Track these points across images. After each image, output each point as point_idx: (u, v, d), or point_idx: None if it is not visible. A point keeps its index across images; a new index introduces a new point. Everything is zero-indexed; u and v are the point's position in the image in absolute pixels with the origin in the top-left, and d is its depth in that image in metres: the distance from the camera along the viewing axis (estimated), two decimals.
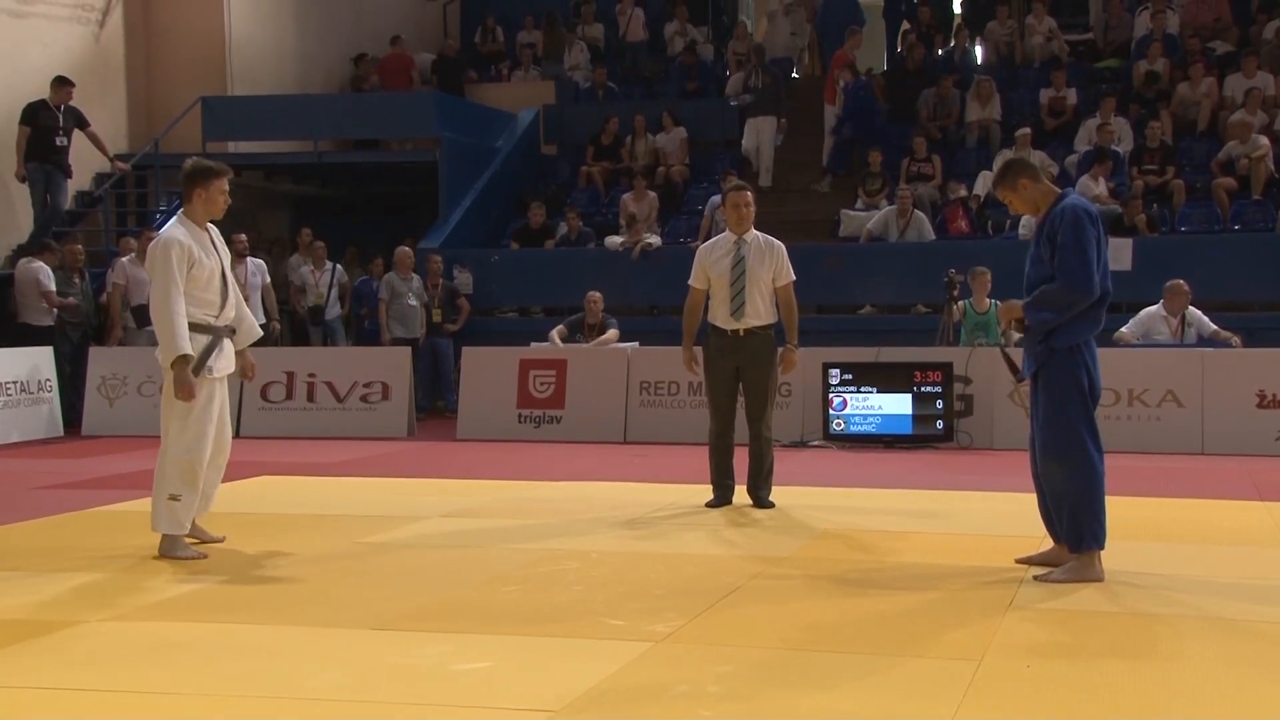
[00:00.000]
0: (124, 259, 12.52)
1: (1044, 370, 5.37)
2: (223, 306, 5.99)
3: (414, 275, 12.88)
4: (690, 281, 7.31)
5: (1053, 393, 5.35)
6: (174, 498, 5.91)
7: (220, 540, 6.24)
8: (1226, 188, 13.34)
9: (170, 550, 5.95)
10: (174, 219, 5.98)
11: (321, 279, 13.71)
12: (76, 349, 12.16)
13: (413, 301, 12.74)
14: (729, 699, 3.89)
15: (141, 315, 12.47)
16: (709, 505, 7.27)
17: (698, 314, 7.32)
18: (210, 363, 5.94)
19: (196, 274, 5.84)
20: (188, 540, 6.05)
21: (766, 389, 7.18)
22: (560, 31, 18.22)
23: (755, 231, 7.24)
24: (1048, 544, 5.61)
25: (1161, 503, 7.51)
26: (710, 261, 7.21)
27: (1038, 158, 14.16)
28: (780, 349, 7.25)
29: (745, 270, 7.09)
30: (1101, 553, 5.36)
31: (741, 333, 7.14)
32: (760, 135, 15.27)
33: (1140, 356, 10.40)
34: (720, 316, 7.18)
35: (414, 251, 13.75)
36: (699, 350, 7.38)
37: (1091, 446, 5.30)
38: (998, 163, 5.73)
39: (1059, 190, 5.45)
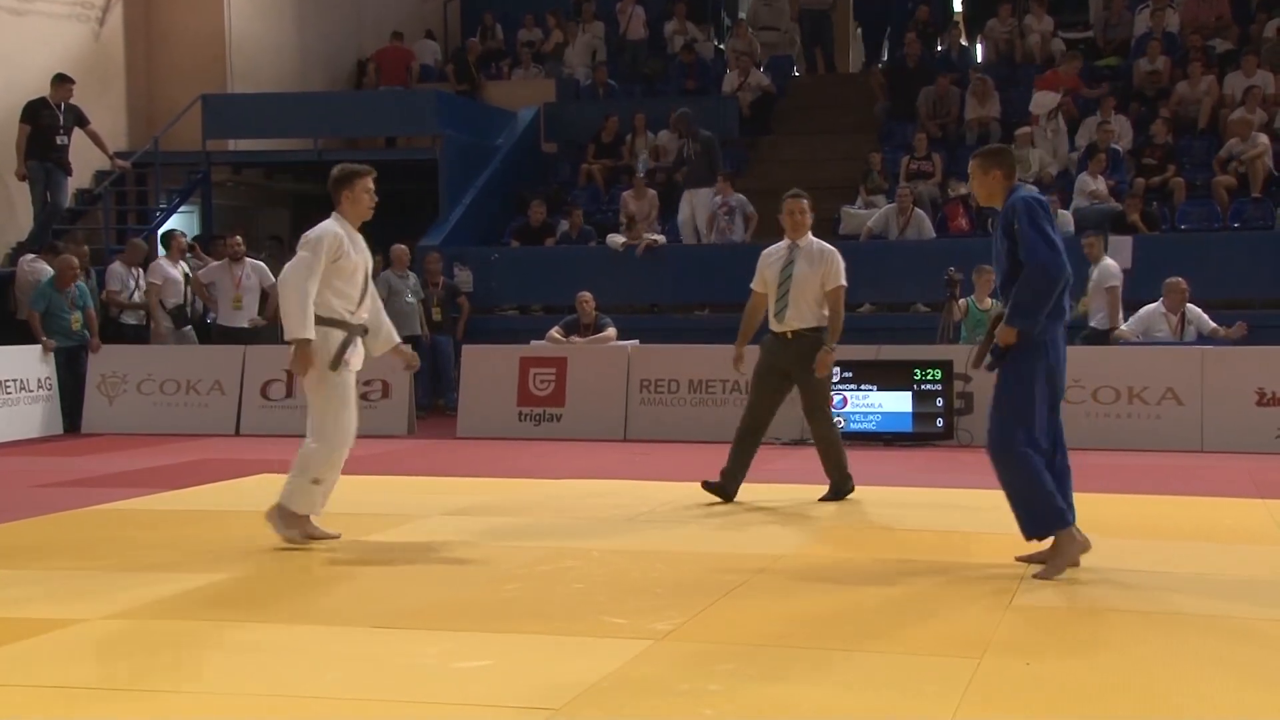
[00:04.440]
0: (161, 259, 12.70)
1: (1005, 363, 5.39)
2: (360, 304, 6.13)
3: (410, 273, 12.88)
4: (752, 284, 7.56)
5: (1005, 387, 5.37)
6: (317, 481, 6.08)
7: (336, 537, 6.25)
8: (1226, 186, 13.34)
9: (292, 526, 6.06)
10: (329, 219, 6.16)
11: None
12: (76, 347, 12.14)
13: (410, 299, 12.74)
14: (730, 696, 3.89)
15: (180, 316, 12.65)
16: (704, 486, 7.37)
17: (756, 316, 7.53)
18: (347, 356, 6.07)
19: (343, 265, 6.01)
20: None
21: (815, 388, 7.32)
22: (570, 26, 18.22)
23: (812, 238, 7.45)
24: (1048, 541, 5.61)
25: (1161, 500, 7.52)
26: (766, 265, 7.46)
27: (1036, 155, 14.20)
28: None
29: (793, 275, 7.28)
30: (1074, 529, 5.38)
31: (788, 335, 7.33)
32: (695, 206, 14.13)
33: (1140, 354, 10.41)
34: (771, 318, 7.43)
35: (413, 249, 13.75)
36: (752, 349, 7.57)
37: (1024, 443, 5.32)
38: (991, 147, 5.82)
39: (1013, 186, 5.52)
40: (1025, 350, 5.33)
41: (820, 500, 7.38)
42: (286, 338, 6.01)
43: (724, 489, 7.37)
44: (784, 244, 7.45)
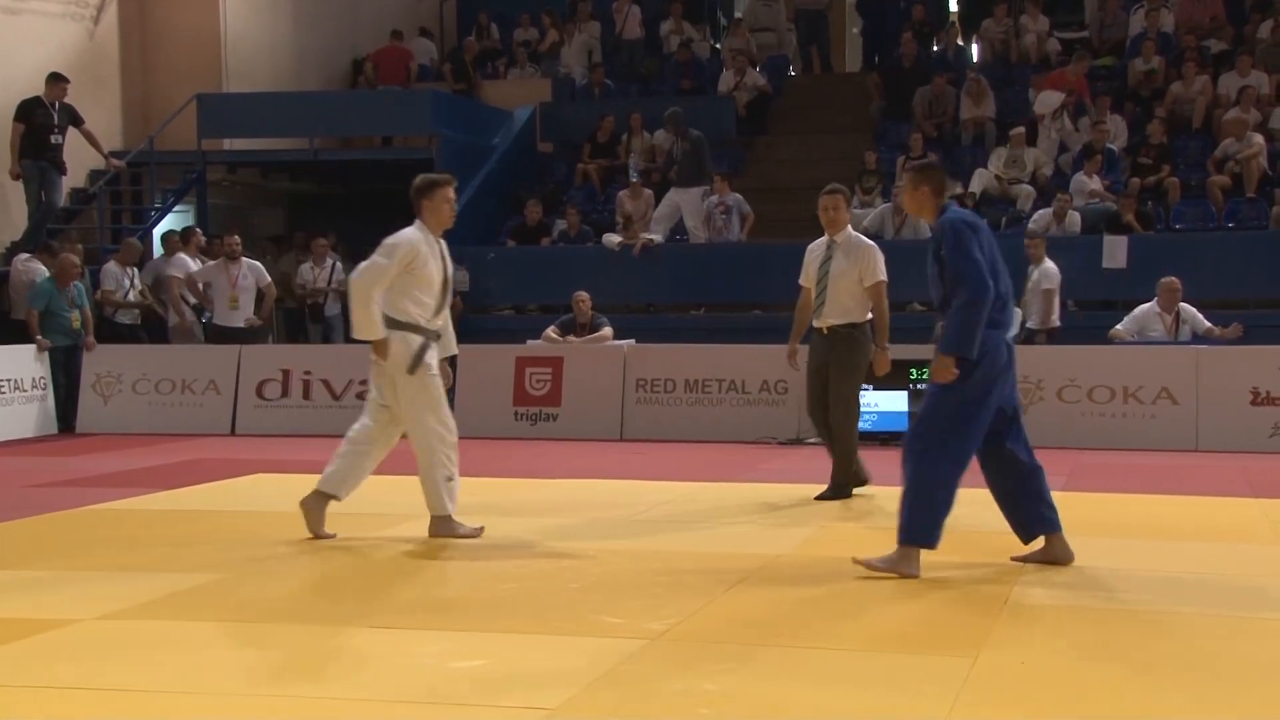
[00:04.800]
0: (183, 254, 12.80)
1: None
2: (437, 312, 6.23)
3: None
4: (800, 280, 7.63)
5: (944, 391, 5.35)
6: (450, 479, 6.23)
7: (323, 533, 6.33)
8: (1221, 185, 13.36)
9: (447, 529, 6.23)
10: (413, 225, 6.27)
11: (321, 275, 13.71)
12: (70, 346, 12.12)
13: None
14: (725, 696, 3.89)
15: (201, 309, 12.70)
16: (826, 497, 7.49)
17: (806, 312, 7.61)
18: (428, 358, 6.16)
19: (420, 274, 6.11)
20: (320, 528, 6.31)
21: (841, 383, 7.39)
22: (565, 26, 18.22)
23: (850, 232, 7.50)
24: (1039, 542, 5.61)
25: (1156, 499, 7.53)
26: (809, 261, 7.55)
27: (1032, 155, 14.22)
28: (874, 349, 7.41)
29: (830, 270, 7.34)
30: (925, 551, 5.33)
31: (825, 330, 7.40)
32: (684, 204, 14.00)
33: (1135, 354, 10.42)
34: (814, 314, 7.50)
35: None
36: (805, 348, 7.65)
37: (952, 452, 5.27)
38: (926, 163, 5.86)
39: (943, 205, 5.54)
40: (982, 364, 5.30)
41: (816, 499, 7.37)
42: (357, 336, 6.16)
43: (839, 492, 7.45)
44: (824, 240, 7.50)
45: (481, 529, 6.31)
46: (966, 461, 5.36)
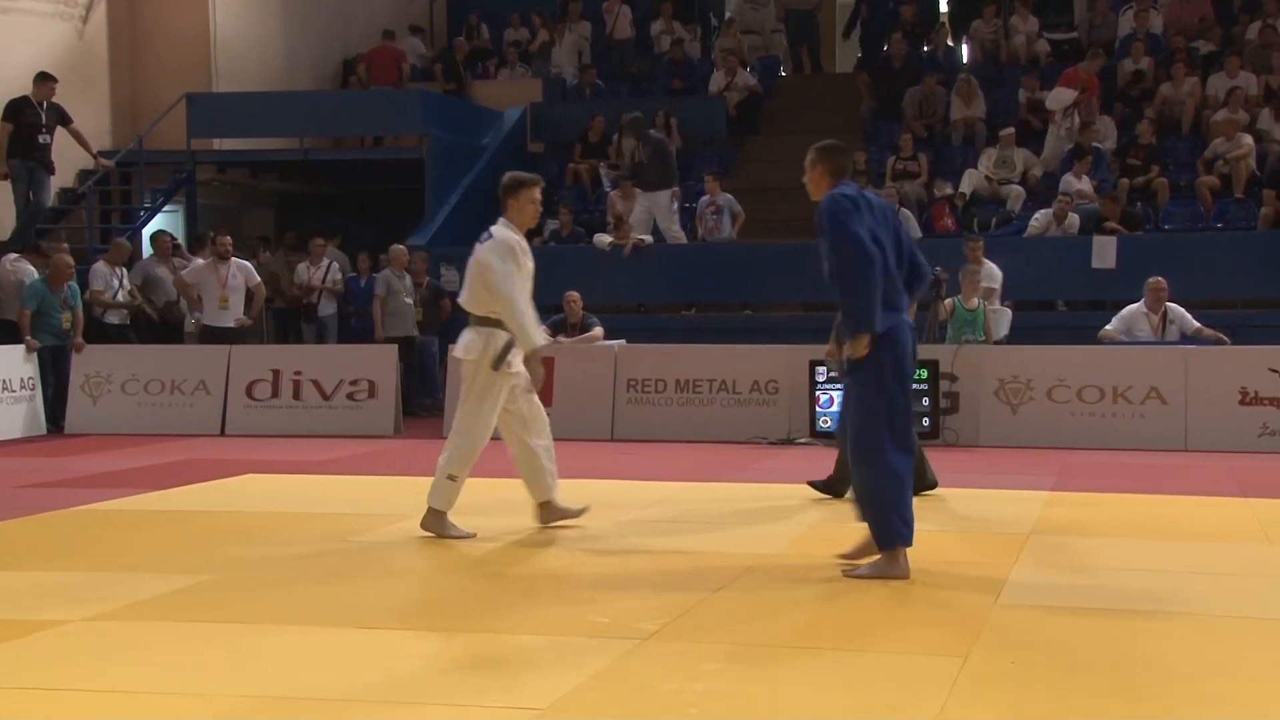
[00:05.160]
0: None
1: (857, 365, 5.31)
2: (526, 311, 6.24)
3: (406, 273, 12.95)
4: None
5: (861, 390, 5.33)
6: (451, 477, 6.27)
7: (581, 513, 6.50)
8: (1210, 186, 13.40)
9: (437, 525, 6.28)
10: (499, 223, 6.36)
11: (316, 275, 13.69)
12: (59, 347, 12.07)
13: (407, 299, 12.81)
14: (715, 696, 3.89)
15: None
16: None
17: None
18: (510, 358, 6.21)
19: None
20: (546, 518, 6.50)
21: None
22: (556, 26, 18.21)
23: None
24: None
25: (1145, 499, 7.54)
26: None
27: (1022, 156, 14.25)
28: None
29: None
30: (907, 549, 5.31)
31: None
32: (656, 209, 13.90)
33: (1124, 354, 10.45)
34: None
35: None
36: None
37: (892, 448, 5.25)
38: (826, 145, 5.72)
39: (837, 185, 5.45)
40: (885, 347, 5.25)
41: (809, 482, 7.41)
42: (526, 350, 6.17)
43: (922, 485, 7.28)
44: None
45: (473, 534, 6.32)
46: (908, 445, 5.34)
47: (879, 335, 5.22)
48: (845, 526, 6.66)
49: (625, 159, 14.83)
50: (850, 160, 5.60)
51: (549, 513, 6.52)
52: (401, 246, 13.12)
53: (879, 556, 5.35)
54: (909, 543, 5.32)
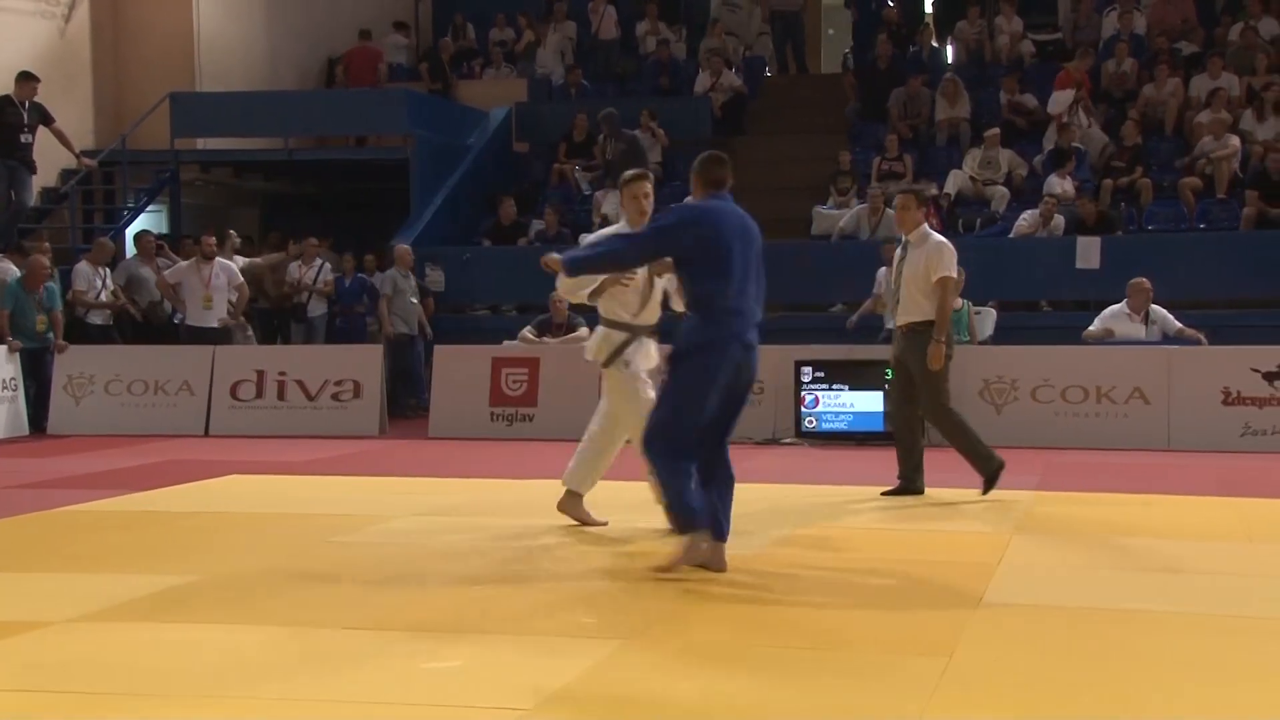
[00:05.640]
0: (216, 259, 12.78)
1: (670, 365, 5.50)
2: (642, 307, 6.26)
3: (411, 273, 13.02)
4: (892, 282, 7.75)
5: (671, 384, 5.45)
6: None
7: (599, 524, 6.50)
8: (1192, 187, 13.46)
9: (574, 508, 6.52)
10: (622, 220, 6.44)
11: (307, 276, 13.66)
12: (37, 349, 12.00)
13: (413, 299, 12.85)
14: (699, 696, 3.89)
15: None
16: (886, 494, 7.52)
17: (873, 305, 7.64)
18: (628, 356, 6.23)
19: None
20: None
21: (924, 383, 7.39)
22: (541, 26, 18.20)
23: (925, 230, 7.51)
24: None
25: (1129, 499, 7.57)
26: (895, 263, 7.66)
27: (1006, 157, 14.30)
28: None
29: (903, 269, 7.43)
30: (717, 540, 5.40)
31: (902, 328, 7.46)
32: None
33: (1108, 354, 10.49)
34: (891, 312, 7.63)
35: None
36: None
37: (672, 443, 5.34)
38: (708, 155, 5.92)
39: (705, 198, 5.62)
40: (689, 356, 5.38)
41: (982, 495, 7.35)
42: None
43: (907, 489, 7.48)
44: (902, 239, 7.58)
45: (605, 523, 6.43)
46: (688, 446, 5.36)
47: (704, 343, 5.34)
48: (829, 526, 6.68)
49: (599, 157, 14.82)
50: (727, 171, 5.73)
51: (571, 504, 6.54)
52: (405, 246, 13.17)
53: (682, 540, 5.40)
54: (702, 526, 5.34)
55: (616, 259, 5.71)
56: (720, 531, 5.45)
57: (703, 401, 5.33)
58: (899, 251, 7.54)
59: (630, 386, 6.26)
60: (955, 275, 7.41)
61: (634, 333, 6.26)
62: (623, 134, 14.07)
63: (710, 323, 5.35)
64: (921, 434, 7.66)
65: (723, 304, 5.33)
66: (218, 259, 12.47)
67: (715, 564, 5.41)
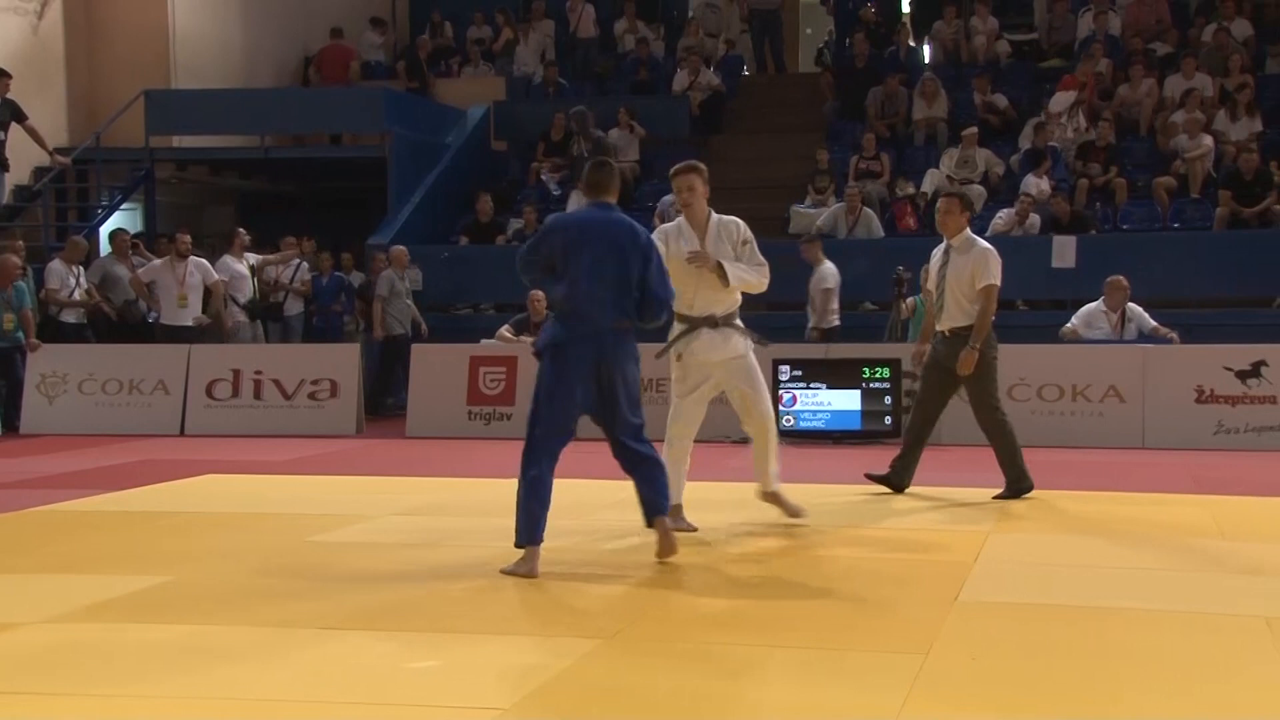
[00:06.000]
0: (228, 256, 12.86)
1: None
2: (695, 298, 6.28)
3: (407, 273, 13.00)
4: (925, 284, 7.78)
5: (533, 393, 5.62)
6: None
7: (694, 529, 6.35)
8: (1166, 187, 13.56)
9: (776, 500, 6.57)
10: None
11: (285, 275, 13.60)
12: (10, 349, 11.88)
13: (409, 300, 12.82)
14: (677, 694, 3.90)
15: (254, 310, 12.82)
16: (869, 476, 7.66)
17: (930, 315, 7.70)
18: (679, 348, 6.27)
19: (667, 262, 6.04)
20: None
21: (972, 386, 7.42)
22: (520, 24, 18.17)
23: (969, 235, 7.51)
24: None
25: (1104, 496, 7.62)
26: (931, 266, 7.68)
27: (983, 156, 14.36)
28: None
29: (946, 274, 7.42)
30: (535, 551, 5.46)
31: (946, 333, 7.45)
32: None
33: (1084, 353, 10.56)
34: (935, 317, 7.59)
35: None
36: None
37: (528, 454, 5.49)
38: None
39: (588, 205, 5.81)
40: (541, 361, 5.57)
41: (994, 498, 7.39)
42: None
43: (891, 480, 7.54)
44: (944, 244, 7.57)
45: (695, 528, 6.30)
46: (538, 456, 5.48)
47: (552, 346, 5.52)
48: (807, 524, 6.69)
49: (569, 156, 14.81)
50: (605, 176, 5.75)
51: (774, 499, 6.57)
52: (402, 248, 13.13)
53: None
54: (526, 543, 5.42)
55: (519, 266, 5.78)
56: (534, 538, 5.45)
57: (553, 405, 5.47)
58: (940, 255, 7.52)
59: (673, 378, 6.38)
60: (999, 283, 7.37)
61: (691, 324, 6.29)
62: (590, 133, 14.04)
63: (558, 326, 5.56)
64: (927, 439, 7.65)
65: (569, 308, 5.50)
66: (191, 257, 12.41)
67: (665, 548, 5.56)
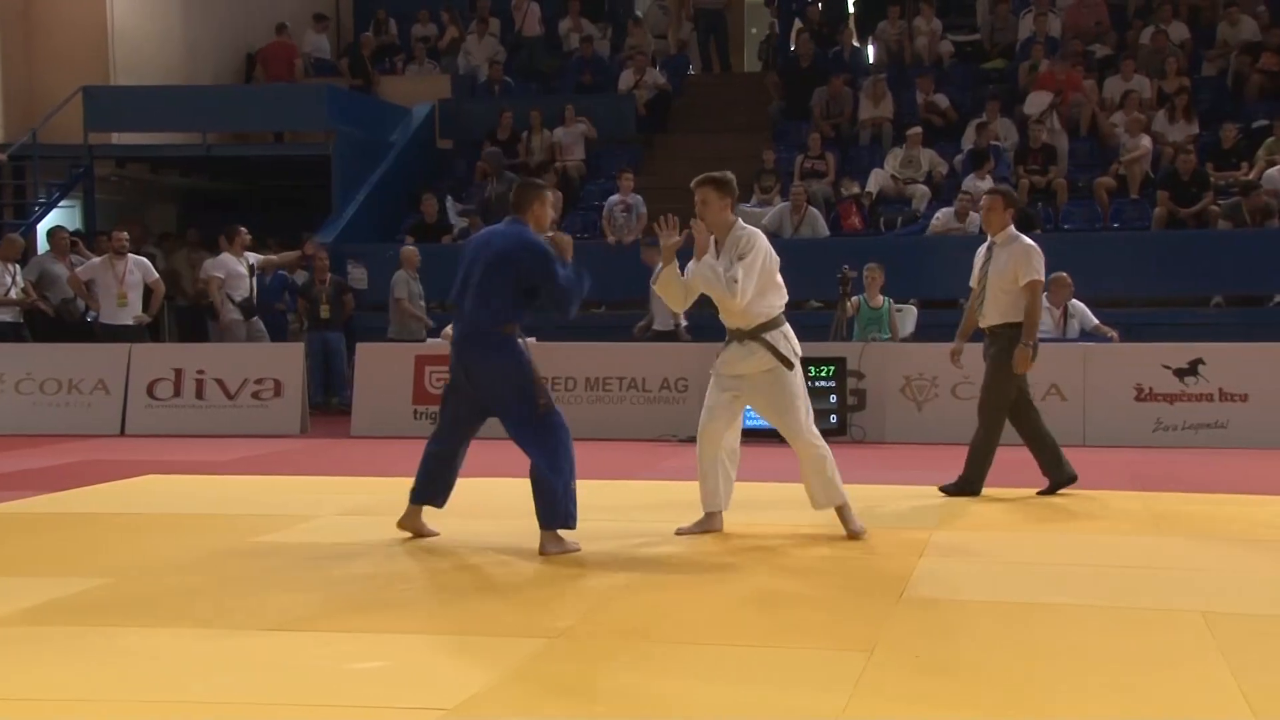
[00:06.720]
0: (227, 254, 12.63)
1: None
2: (724, 309, 6.26)
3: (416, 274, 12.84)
4: (970, 282, 7.72)
5: None
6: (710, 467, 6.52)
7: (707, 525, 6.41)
8: (1107, 187, 13.77)
9: (845, 515, 6.37)
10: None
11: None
12: None
13: (422, 302, 12.61)
14: (622, 693, 3.90)
15: (248, 308, 12.57)
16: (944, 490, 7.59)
17: (973, 313, 7.70)
18: (718, 359, 6.32)
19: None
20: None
21: (989, 384, 7.47)
22: (477, 25, 18.08)
23: (1012, 233, 7.49)
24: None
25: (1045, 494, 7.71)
26: (976, 263, 7.67)
27: (928, 156, 14.50)
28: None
29: (989, 271, 7.43)
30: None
31: (988, 330, 7.48)
32: None
33: None
34: (979, 314, 7.60)
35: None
36: (973, 346, 7.74)
37: (431, 438, 6.28)
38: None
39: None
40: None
41: (940, 488, 7.48)
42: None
43: (1060, 481, 7.55)
44: (988, 241, 7.58)
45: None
46: (436, 442, 6.26)
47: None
48: (752, 523, 6.72)
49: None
50: (524, 194, 6.06)
51: (844, 515, 6.33)
52: (412, 248, 12.85)
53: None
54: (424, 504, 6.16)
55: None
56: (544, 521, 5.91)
57: (444, 409, 6.23)
58: (984, 252, 7.55)
59: (708, 393, 6.40)
60: (1043, 279, 7.43)
61: (730, 336, 6.27)
62: (503, 174, 13.98)
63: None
64: (1042, 425, 7.64)
65: (457, 316, 6.03)
66: (130, 255, 12.22)
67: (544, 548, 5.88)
